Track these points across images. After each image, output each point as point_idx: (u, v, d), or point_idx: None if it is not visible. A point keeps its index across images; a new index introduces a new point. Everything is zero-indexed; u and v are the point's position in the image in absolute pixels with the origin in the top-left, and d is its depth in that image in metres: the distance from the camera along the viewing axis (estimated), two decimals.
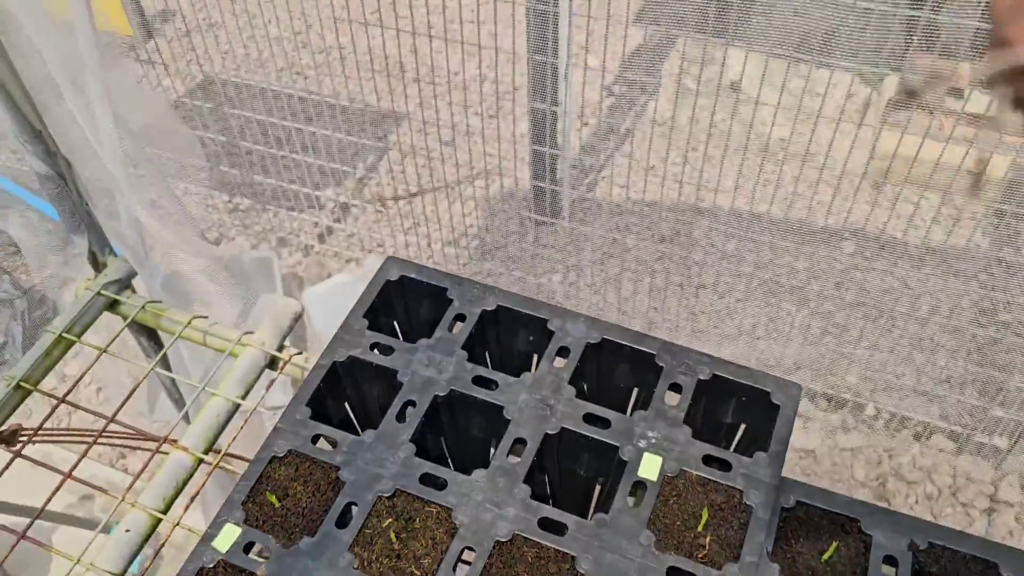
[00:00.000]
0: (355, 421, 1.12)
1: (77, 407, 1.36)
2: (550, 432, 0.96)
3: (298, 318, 1.37)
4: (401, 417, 0.98)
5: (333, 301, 2.40)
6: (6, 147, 2.95)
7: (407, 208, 2.91)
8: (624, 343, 1.03)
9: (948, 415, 2.37)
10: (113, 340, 1.33)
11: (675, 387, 1.01)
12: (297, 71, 3.40)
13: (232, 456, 1.27)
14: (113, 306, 1.43)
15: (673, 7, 2.76)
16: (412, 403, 0.99)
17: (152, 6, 3.61)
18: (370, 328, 1.08)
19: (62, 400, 1.31)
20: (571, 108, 2.36)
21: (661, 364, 1.01)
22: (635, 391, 1.08)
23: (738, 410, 1.03)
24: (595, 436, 0.96)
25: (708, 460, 0.95)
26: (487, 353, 1.12)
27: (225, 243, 2.93)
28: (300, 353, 1.31)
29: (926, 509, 2.24)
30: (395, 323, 1.17)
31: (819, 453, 2.34)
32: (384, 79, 2.78)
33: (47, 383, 2.08)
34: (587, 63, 2.28)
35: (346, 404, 1.09)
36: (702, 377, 1.01)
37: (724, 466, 0.94)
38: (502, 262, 2.82)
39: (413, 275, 1.11)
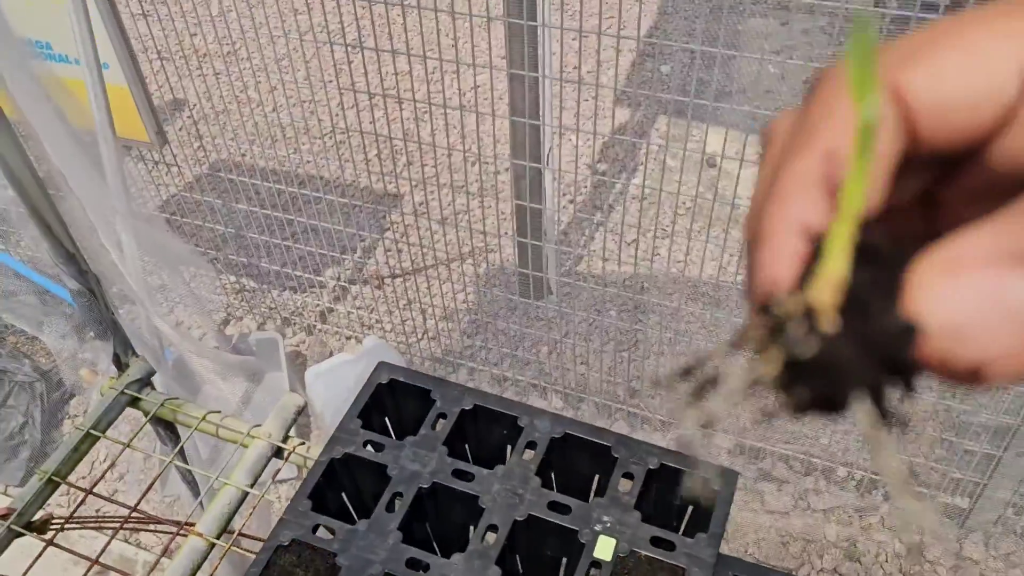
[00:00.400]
0: (351, 510, 1.27)
1: (102, 498, 1.51)
2: (519, 519, 1.11)
3: (301, 411, 1.53)
4: (390, 507, 1.14)
5: (334, 379, 2.56)
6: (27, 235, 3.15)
7: (403, 287, 3.08)
8: (584, 437, 1.19)
9: (915, 475, 2.52)
10: (135, 435, 1.49)
11: (628, 475, 1.17)
12: (299, 155, 3.61)
13: (243, 536, 1.42)
14: (134, 402, 1.59)
15: (650, 90, 2.95)
16: (400, 494, 1.15)
17: (161, 97, 3.84)
18: (364, 427, 1.24)
19: (89, 492, 1.47)
20: (553, 205, 2.54)
21: (616, 455, 1.17)
22: (596, 478, 1.24)
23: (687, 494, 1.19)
24: (557, 521, 1.11)
25: (655, 541, 1.10)
26: (466, 446, 1.28)
27: (233, 323, 3.09)
28: (303, 443, 1.47)
29: (895, 567, 2.37)
30: (386, 420, 1.33)
31: (792, 515, 2.48)
32: (381, 162, 2.98)
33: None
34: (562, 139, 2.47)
35: (343, 495, 1.25)
36: (651, 466, 1.16)
37: (669, 546, 1.09)
38: (493, 335, 2.99)
39: (401, 378, 1.27)
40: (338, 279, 3.13)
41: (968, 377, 0.30)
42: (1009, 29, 0.33)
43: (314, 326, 3.08)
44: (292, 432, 1.52)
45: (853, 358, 0.31)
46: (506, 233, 3.24)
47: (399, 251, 3.20)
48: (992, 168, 0.36)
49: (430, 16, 3.34)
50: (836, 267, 0.31)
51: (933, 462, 2.47)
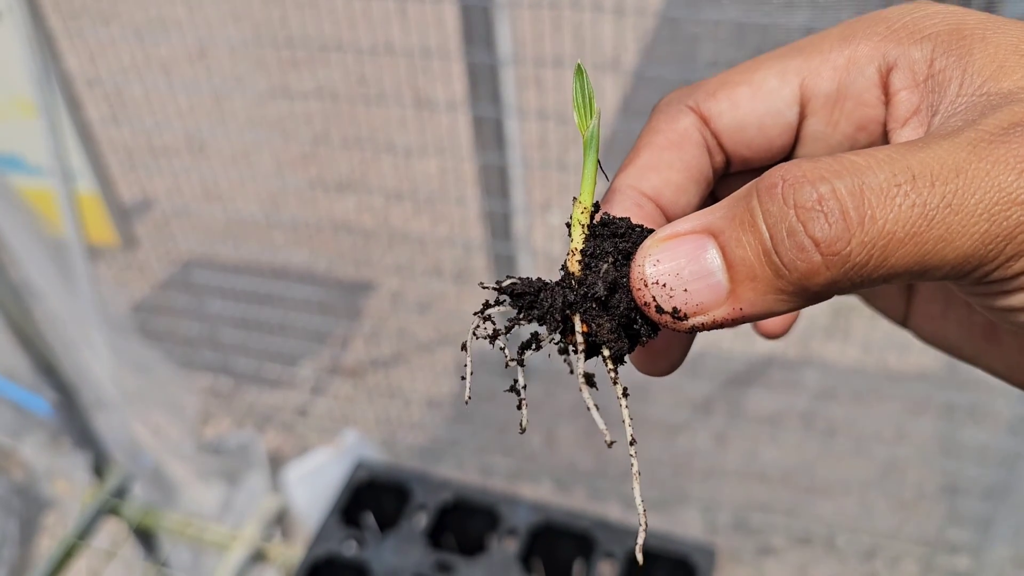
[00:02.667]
0: None
1: None
2: None
3: (282, 513, 1.53)
4: None
5: (313, 478, 2.53)
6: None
7: (383, 377, 3.09)
8: (562, 523, 1.20)
9: (914, 538, 2.52)
10: (118, 546, 1.48)
11: (611, 555, 1.17)
12: (271, 247, 3.64)
13: None
14: (115, 510, 1.58)
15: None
16: None
17: (128, 191, 3.87)
18: (347, 521, 1.24)
19: None
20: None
21: (595, 538, 1.18)
22: (578, 560, 1.24)
23: (667, 572, 1.19)
24: None
25: None
26: (449, 534, 1.28)
27: (211, 423, 3.08)
28: (285, 545, 1.46)
29: None
30: (369, 513, 1.33)
31: None
32: (356, 247, 3.01)
33: None
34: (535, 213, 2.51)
35: None
36: (631, 544, 1.17)
37: None
38: (481, 421, 2.98)
39: (380, 474, 1.28)
40: (316, 373, 3.13)
41: (674, 321, 0.40)
42: (786, 68, 0.47)
43: (293, 422, 3.07)
44: (275, 531, 1.52)
45: (584, 304, 0.43)
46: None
47: (377, 340, 3.21)
48: None
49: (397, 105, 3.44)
50: (575, 242, 0.44)
51: (935, 522, 2.47)
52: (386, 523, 1.28)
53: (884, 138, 0.45)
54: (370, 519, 1.31)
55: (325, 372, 3.16)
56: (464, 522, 1.26)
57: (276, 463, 2.93)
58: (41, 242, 1.85)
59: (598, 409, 0.44)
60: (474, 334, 0.45)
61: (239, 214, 2.94)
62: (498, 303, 0.45)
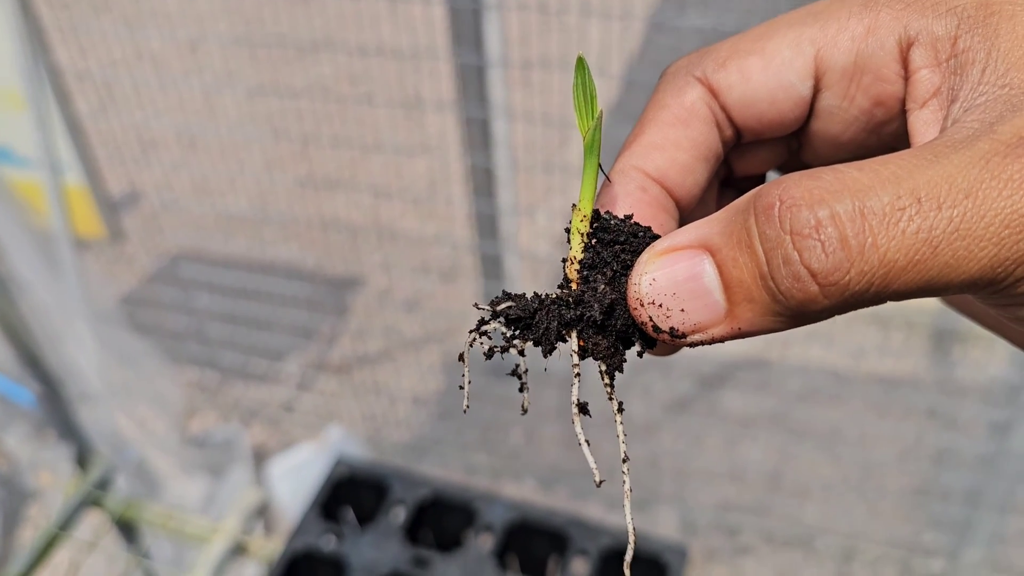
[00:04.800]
0: None
1: None
2: None
3: (263, 507, 1.54)
4: None
5: (297, 473, 2.55)
6: None
7: (369, 374, 3.10)
8: (536, 520, 1.22)
9: (891, 541, 2.55)
10: (99, 537, 1.49)
11: (584, 551, 1.20)
12: (260, 242, 3.65)
13: None
14: (97, 502, 1.59)
15: None
16: None
17: (119, 190, 3.88)
18: (327, 516, 1.26)
19: None
20: (519, 283, 2.60)
21: (569, 536, 1.20)
22: (552, 556, 1.26)
23: (639, 571, 1.21)
24: None
25: None
26: (426, 530, 1.30)
27: (196, 417, 3.09)
28: (265, 538, 1.48)
29: None
30: (349, 508, 1.35)
31: None
32: (344, 244, 3.03)
33: None
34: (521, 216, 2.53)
35: None
36: (605, 542, 1.19)
37: None
38: (465, 419, 3.00)
39: (360, 470, 1.30)
40: (302, 368, 3.15)
41: (671, 339, 0.39)
42: (800, 37, 0.44)
43: (278, 418, 3.08)
44: (257, 525, 1.53)
45: (580, 324, 0.42)
46: (474, 315, 3.27)
47: (364, 337, 3.23)
48: (815, 143, 0.48)
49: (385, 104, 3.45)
50: (574, 251, 0.43)
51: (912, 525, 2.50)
52: (365, 518, 1.30)
53: (902, 115, 0.43)
54: (349, 514, 1.33)
55: (311, 368, 3.17)
56: (441, 518, 1.28)
57: (260, 458, 2.95)
58: (28, 233, 1.86)
59: (589, 445, 0.42)
60: (470, 346, 0.44)
61: (228, 209, 2.95)
62: (495, 317, 0.44)
